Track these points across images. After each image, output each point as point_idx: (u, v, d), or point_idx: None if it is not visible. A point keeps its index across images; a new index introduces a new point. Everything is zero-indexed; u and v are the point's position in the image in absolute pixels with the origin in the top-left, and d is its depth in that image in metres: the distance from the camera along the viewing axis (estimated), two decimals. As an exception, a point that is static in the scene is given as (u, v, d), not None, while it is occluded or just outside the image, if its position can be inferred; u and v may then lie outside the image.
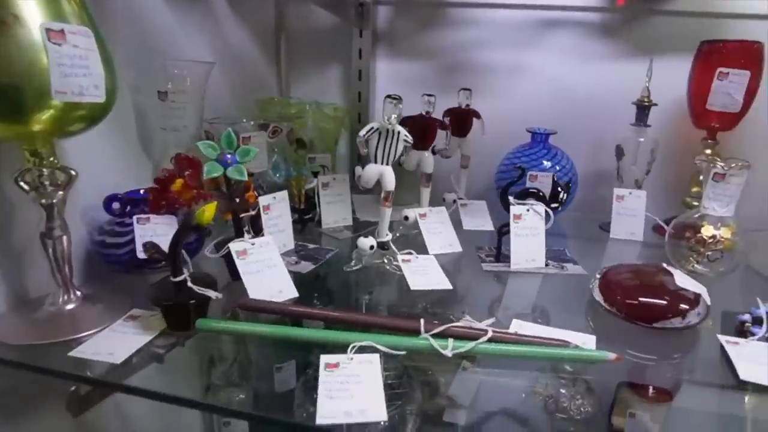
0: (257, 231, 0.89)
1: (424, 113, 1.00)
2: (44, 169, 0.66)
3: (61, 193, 0.68)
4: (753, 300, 0.82)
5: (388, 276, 0.89)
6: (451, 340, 0.66)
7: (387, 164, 0.87)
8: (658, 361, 0.70)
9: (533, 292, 0.90)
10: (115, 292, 0.78)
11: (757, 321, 0.77)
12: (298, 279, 0.85)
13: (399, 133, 0.85)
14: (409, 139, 0.86)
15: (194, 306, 0.69)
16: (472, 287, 0.90)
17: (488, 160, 1.23)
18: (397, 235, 1.03)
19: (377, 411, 0.56)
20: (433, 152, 1.12)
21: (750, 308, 0.80)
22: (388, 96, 0.84)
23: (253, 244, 0.80)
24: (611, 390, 0.65)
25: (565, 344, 0.67)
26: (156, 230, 0.83)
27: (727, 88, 1.02)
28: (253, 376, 0.67)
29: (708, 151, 1.09)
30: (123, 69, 0.73)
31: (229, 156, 0.77)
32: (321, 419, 0.54)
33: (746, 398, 0.65)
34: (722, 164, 0.89)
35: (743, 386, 0.64)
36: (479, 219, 1.14)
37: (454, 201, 1.16)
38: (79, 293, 0.73)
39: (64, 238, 0.70)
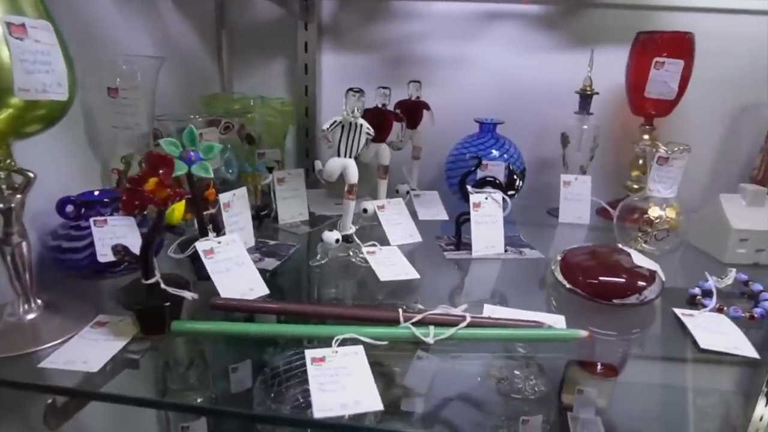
0: (218, 229, 0.89)
1: (379, 105, 1.03)
2: (1, 172, 0.64)
3: (19, 196, 0.66)
4: (695, 275, 0.91)
5: (355, 269, 0.91)
6: (432, 328, 0.69)
7: (350, 157, 0.89)
8: (619, 336, 0.76)
9: (497, 277, 0.94)
10: (76, 298, 0.76)
11: (707, 294, 0.85)
12: (265, 276, 0.85)
13: (361, 126, 0.88)
14: (371, 131, 0.89)
15: (169, 308, 0.69)
16: (438, 276, 0.93)
17: (438, 151, 1.27)
18: (356, 227, 1.05)
19: (372, 401, 0.57)
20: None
21: (698, 282, 0.88)
22: (351, 89, 0.86)
23: (219, 243, 0.80)
24: (561, 369, 0.69)
25: (538, 325, 0.72)
26: (115, 232, 0.81)
27: (663, 76, 1.11)
28: (230, 374, 0.67)
29: (646, 137, 1.19)
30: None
31: (192, 153, 0.76)
32: (318, 413, 0.55)
33: (688, 368, 0.72)
34: (665, 149, 0.97)
35: (689, 356, 0.71)
36: (433, 209, 1.18)
37: (408, 192, 1.19)
38: (39, 302, 0.71)
39: (24, 244, 0.67)
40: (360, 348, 0.66)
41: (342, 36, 1.34)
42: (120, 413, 0.85)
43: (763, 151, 1.23)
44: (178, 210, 0.72)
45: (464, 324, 0.70)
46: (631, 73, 1.18)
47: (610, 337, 0.75)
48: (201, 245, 0.79)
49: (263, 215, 1.08)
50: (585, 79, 1.18)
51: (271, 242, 1.00)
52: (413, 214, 1.14)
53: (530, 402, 0.62)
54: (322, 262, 0.92)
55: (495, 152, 1.19)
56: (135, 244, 0.78)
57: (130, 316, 0.69)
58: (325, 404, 0.57)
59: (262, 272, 0.86)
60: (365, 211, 1.04)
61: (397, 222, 1.04)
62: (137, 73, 0.90)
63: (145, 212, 0.67)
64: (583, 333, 0.70)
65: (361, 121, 0.87)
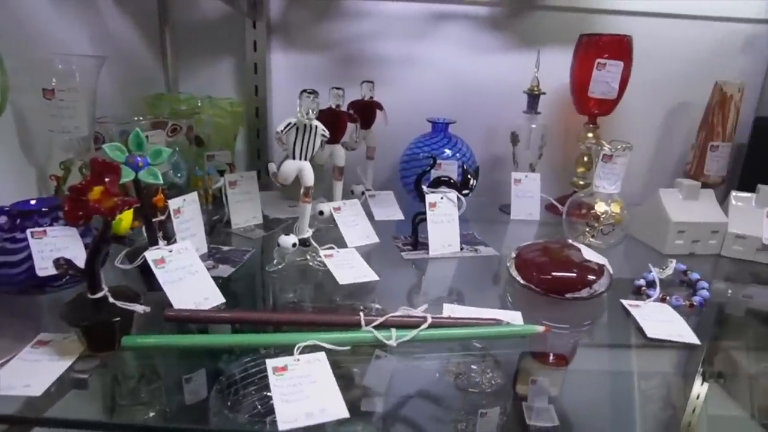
0: (168, 237, 0.83)
1: (333, 106, 0.99)
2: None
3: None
4: (639, 266, 0.93)
5: (313, 273, 0.87)
6: (393, 330, 0.67)
7: (305, 159, 0.86)
8: (572, 328, 0.76)
9: (454, 276, 0.93)
10: (14, 316, 0.69)
11: (651, 284, 0.86)
12: (220, 284, 0.80)
13: (316, 127, 0.84)
14: (326, 133, 0.85)
15: (119, 323, 0.63)
16: (397, 276, 0.91)
17: (392, 151, 1.25)
18: (313, 230, 1.01)
19: (337, 408, 0.55)
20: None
21: (642, 273, 0.90)
22: (305, 90, 0.82)
23: (170, 251, 0.75)
24: (515, 361, 0.69)
25: (497, 323, 0.71)
26: (56, 244, 0.74)
27: (605, 77, 1.12)
28: (174, 389, 0.62)
29: (590, 135, 1.20)
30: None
31: (139, 158, 0.70)
32: (283, 425, 0.52)
33: (635, 355, 0.73)
34: (609, 146, 0.98)
35: (634, 344, 0.73)
36: (389, 209, 1.16)
37: (363, 193, 1.16)
38: (-29, 322, 0.64)
39: (-47, 261, 0.60)
40: (322, 354, 0.63)
41: (292, 35, 1.28)
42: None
43: (695, 147, 1.27)
44: (125, 219, 0.66)
45: (426, 325, 0.68)
46: (575, 74, 1.18)
47: (564, 330, 0.75)
48: (151, 254, 0.73)
49: (216, 220, 1.02)
50: (532, 79, 1.18)
51: (225, 248, 0.94)
52: (369, 215, 1.11)
53: (488, 395, 0.61)
54: (279, 267, 0.87)
55: (448, 151, 1.18)
56: (78, 255, 0.72)
57: (77, 333, 0.63)
58: (289, 415, 0.53)
59: (217, 280, 0.81)
60: (321, 213, 1.00)
61: (354, 223, 1.00)
62: (75, 74, 0.83)
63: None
64: (540, 328, 0.70)
65: (315, 122, 0.84)
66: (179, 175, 1.02)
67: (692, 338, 0.72)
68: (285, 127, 0.82)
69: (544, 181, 1.20)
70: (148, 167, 0.71)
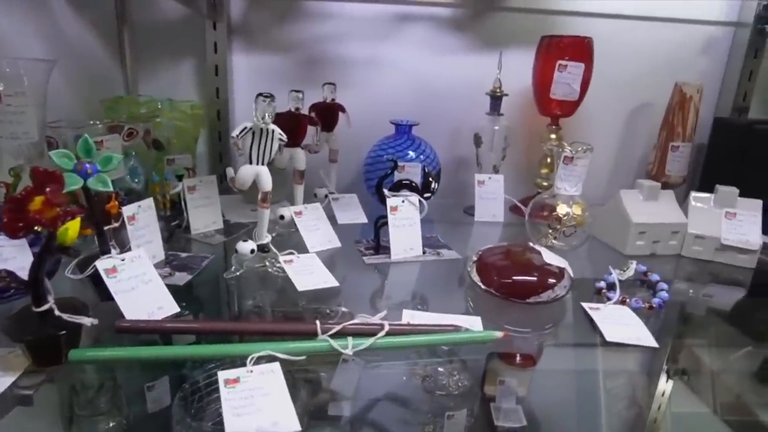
0: (122, 244, 0.82)
1: (293, 109, 0.98)
2: None
3: None
4: (602, 267, 0.93)
5: (272, 279, 0.86)
6: (350, 339, 0.66)
7: (262, 164, 0.84)
8: (533, 332, 0.76)
9: (416, 280, 0.93)
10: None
11: (611, 287, 0.87)
12: (176, 292, 0.78)
13: (273, 131, 0.83)
14: (284, 137, 0.84)
15: (65, 337, 0.61)
16: (357, 282, 0.90)
17: (355, 153, 1.24)
18: (274, 234, 1.00)
19: (289, 422, 0.54)
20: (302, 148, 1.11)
21: (603, 275, 0.91)
22: (261, 94, 0.80)
23: (123, 260, 0.73)
24: (483, 362, 0.69)
25: (456, 329, 0.71)
26: (1, 254, 0.73)
27: (567, 78, 1.13)
28: (136, 398, 0.61)
29: (553, 136, 1.20)
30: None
31: (88, 165, 0.68)
32: None
33: (598, 356, 0.73)
34: (570, 148, 0.98)
35: (598, 344, 0.73)
36: (352, 212, 1.15)
37: (326, 196, 1.15)
38: None
39: None
40: (276, 365, 0.61)
41: (254, 36, 1.26)
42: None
43: (656, 147, 1.28)
44: (72, 229, 0.64)
45: (383, 333, 0.68)
46: (537, 76, 1.19)
47: (525, 334, 0.76)
48: (102, 264, 0.71)
49: (174, 226, 1.00)
50: (495, 81, 1.18)
51: (183, 255, 0.93)
52: (332, 219, 1.10)
53: (455, 397, 0.62)
54: (237, 274, 0.86)
55: (411, 153, 1.17)
56: (26, 266, 0.70)
57: (21, 348, 0.61)
58: (239, 430, 0.52)
59: (173, 288, 0.80)
60: (282, 217, 0.99)
61: (315, 228, 0.99)
62: (23, 78, 0.80)
63: (39, 231, 0.59)
64: (499, 334, 0.70)
65: (272, 126, 0.83)
66: (137, 180, 1.00)
67: (650, 341, 0.73)
68: (241, 132, 0.80)
69: (508, 183, 1.21)
70: (97, 174, 0.69)
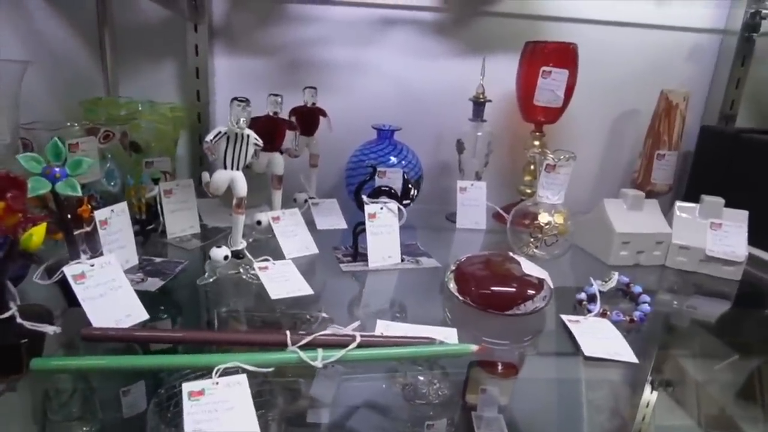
0: (94, 249, 0.81)
1: (271, 114, 0.98)
2: None
3: None
4: (584, 277, 0.93)
5: (246, 286, 0.86)
6: (320, 350, 0.66)
7: (237, 169, 0.84)
8: (511, 345, 0.76)
9: (393, 289, 0.93)
10: None
11: (592, 298, 0.87)
12: (147, 298, 0.78)
13: (248, 136, 0.82)
14: (260, 142, 0.84)
15: (26, 345, 0.61)
16: (333, 290, 0.90)
17: (336, 158, 1.24)
18: (251, 240, 0.99)
19: None
20: (281, 151, 1.10)
21: (584, 286, 0.90)
22: (236, 98, 0.80)
23: (92, 266, 0.73)
24: (464, 370, 0.69)
25: (430, 341, 0.70)
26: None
27: (550, 85, 1.13)
28: (111, 403, 0.61)
29: (537, 143, 1.20)
30: None
31: (57, 169, 0.68)
32: None
33: (579, 366, 0.72)
34: (552, 156, 0.98)
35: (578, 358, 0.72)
36: (332, 218, 1.15)
37: (306, 201, 1.15)
38: None
39: None
40: (243, 377, 0.60)
41: (236, 39, 1.26)
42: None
43: (642, 155, 1.29)
44: (36, 235, 0.63)
45: (353, 345, 0.67)
46: (521, 82, 1.19)
47: (504, 346, 0.75)
48: (70, 270, 0.70)
49: (150, 230, 1.00)
50: (478, 86, 1.18)
51: (158, 260, 0.92)
52: (311, 224, 1.10)
53: (435, 406, 0.62)
54: (210, 280, 0.85)
55: (393, 159, 1.17)
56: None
57: (-20, 356, 0.61)
58: None
59: (145, 294, 0.80)
60: (259, 223, 0.98)
61: (293, 234, 0.99)
62: (-5, 79, 0.80)
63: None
64: (474, 347, 0.69)
65: (248, 131, 0.82)
66: (113, 183, 0.99)
67: (630, 357, 0.72)
68: (215, 137, 0.80)
69: (492, 189, 1.21)
70: (66, 178, 0.69)
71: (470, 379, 0.68)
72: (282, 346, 0.66)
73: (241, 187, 0.84)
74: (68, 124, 0.97)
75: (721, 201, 1.05)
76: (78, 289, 0.70)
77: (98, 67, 1.20)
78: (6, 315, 0.60)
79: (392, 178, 1.10)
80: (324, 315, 0.78)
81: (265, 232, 0.99)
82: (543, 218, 1.00)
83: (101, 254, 0.79)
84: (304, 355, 0.65)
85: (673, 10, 1.30)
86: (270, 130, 0.96)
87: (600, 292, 0.89)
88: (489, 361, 0.72)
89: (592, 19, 1.29)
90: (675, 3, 1.29)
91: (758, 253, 1.10)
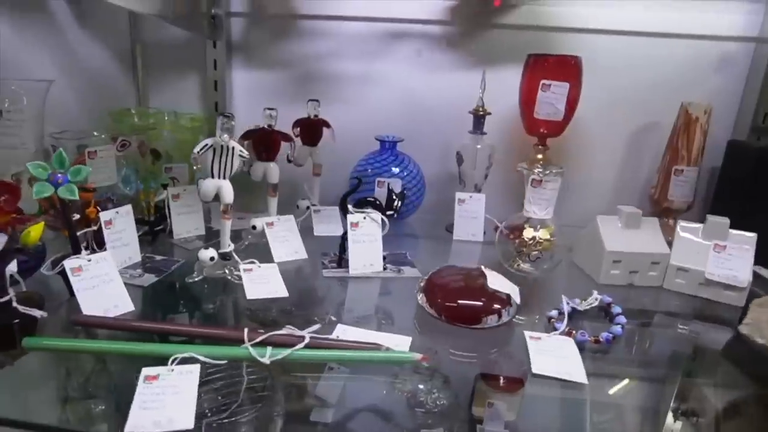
0: (101, 246, 0.95)
1: (266, 126, 1.09)
2: None
3: None
4: (572, 294, 0.95)
5: (231, 286, 0.97)
6: (269, 348, 0.74)
7: (224, 178, 0.95)
8: (469, 357, 0.81)
9: (368, 297, 1.00)
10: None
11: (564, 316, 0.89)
12: (139, 292, 0.92)
13: (233, 148, 0.94)
14: (245, 154, 0.95)
15: (19, 325, 0.75)
16: (310, 294, 0.99)
17: (341, 168, 1.33)
18: (246, 243, 1.12)
19: (185, 419, 0.62)
20: (289, 160, 1.22)
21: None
22: (222, 114, 0.92)
23: (89, 260, 0.86)
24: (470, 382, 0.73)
25: (377, 347, 0.77)
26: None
27: (550, 98, 1.16)
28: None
29: (540, 156, 1.24)
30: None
31: (60, 176, 0.82)
32: (130, 429, 0.60)
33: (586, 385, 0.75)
34: (539, 171, 1.03)
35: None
36: (331, 225, 1.23)
37: (308, 208, 1.25)
38: None
39: None
40: (196, 367, 0.70)
41: (252, 54, 1.40)
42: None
43: (660, 170, 1.29)
44: (34, 231, 0.78)
45: (301, 345, 0.75)
46: (523, 94, 1.23)
47: (462, 358, 0.81)
48: (69, 263, 0.85)
49: (158, 230, 1.14)
50: (477, 100, 1.23)
51: (158, 257, 1.06)
52: (310, 230, 1.20)
53: (433, 415, 0.66)
54: (197, 279, 0.98)
55: (395, 169, 1.26)
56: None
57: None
58: (138, 423, 0.62)
59: (137, 288, 0.93)
60: (254, 227, 1.10)
61: (285, 239, 1.09)
62: (23, 96, 0.97)
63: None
64: (418, 356, 0.74)
65: (233, 143, 0.93)
66: (129, 188, 1.14)
67: (581, 377, 0.74)
68: (201, 149, 0.92)
69: (494, 202, 1.25)
70: (67, 184, 0.83)
71: (477, 391, 0.72)
72: (239, 342, 0.76)
73: (228, 195, 0.96)
74: (95, 133, 1.13)
75: (727, 221, 1.04)
76: (74, 280, 0.84)
77: (130, 81, 1.37)
78: (4, 299, 0.74)
79: (393, 187, 1.18)
80: (332, 318, 0.86)
81: (260, 236, 1.10)
82: (527, 233, 1.05)
83: (105, 250, 0.93)
84: (253, 351, 0.74)
85: (700, 16, 1.28)
86: (265, 141, 1.08)
87: (576, 310, 0.93)
88: (494, 375, 0.76)
89: (609, 29, 1.30)
90: (702, 11, 1.27)
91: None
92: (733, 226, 1.05)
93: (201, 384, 0.68)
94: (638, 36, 1.31)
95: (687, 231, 1.07)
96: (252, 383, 0.71)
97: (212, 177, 0.95)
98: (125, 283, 0.91)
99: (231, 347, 0.75)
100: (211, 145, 0.93)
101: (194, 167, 0.93)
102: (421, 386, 0.72)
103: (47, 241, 0.94)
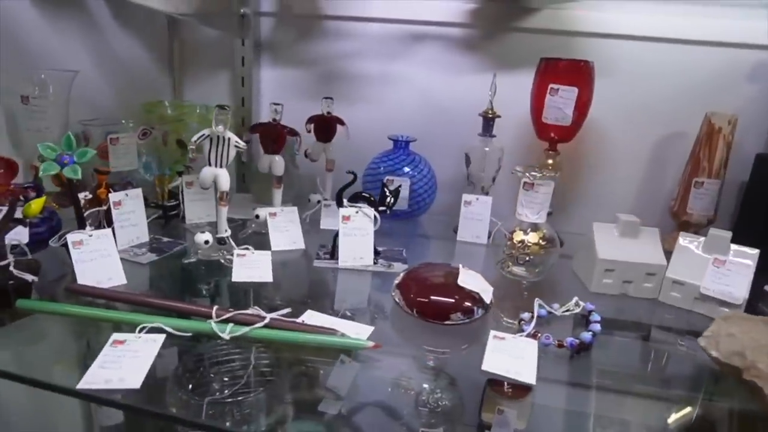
0: (110, 224, 1.04)
1: (271, 120, 1.14)
2: None
3: None
4: (559, 299, 0.95)
5: (223, 269, 1.02)
6: (230, 325, 0.79)
7: (221, 167, 1.01)
8: (438, 353, 0.82)
9: (352, 288, 1.03)
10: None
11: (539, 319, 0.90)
12: (136, 268, 1.00)
13: (230, 139, 0.99)
14: (241, 144, 1.00)
15: (15, 288, 0.83)
16: (294, 281, 1.03)
17: (356, 165, 1.33)
18: (249, 231, 1.17)
19: (134, 380, 0.68)
20: (305, 155, 1.27)
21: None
22: (218, 105, 0.98)
23: (90, 236, 0.94)
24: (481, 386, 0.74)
25: (333, 332, 0.80)
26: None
27: (558, 103, 1.15)
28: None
29: (550, 162, 1.22)
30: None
31: (66, 156, 0.91)
32: (82, 384, 0.67)
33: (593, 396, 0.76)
34: (533, 174, 1.02)
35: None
36: (337, 219, 1.25)
37: (319, 201, 1.30)
38: None
39: None
40: (161, 336, 0.77)
41: (279, 52, 1.46)
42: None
43: (681, 182, 1.24)
44: (35, 204, 0.87)
45: (260, 324, 0.79)
46: (534, 99, 1.21)
47: (436, 353, 0.82)
48: (72, 237, 0.93)
49: (172, 214, 1.22)
50: (487, 103, 1.23)
51: (165, 239, 1.13)
52: (317, 223, 1.24)
53: (435, 414, 0.67)
54: (192, 260, 1.04)
55: (407, 168, 1.28)
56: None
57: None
58: (91, 379, 0.68)
59: (135, 264, 1.01)
60: (257, 217, 1.15)
61: (285, 229, 1.14)
62: (49, 84, 1.07)
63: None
64: (370, 344, 0.77)
65: (229, 134, 0.99)
66: (149, 174, 1.22)
67: (530, 378, 0.74)
68: (198, 138, 0.98)
69: (504, 205, 1.24)
70: (72, 164, 0.91)
71: (487, 396, 0.73)
72: (207, 318, 0.82)
73: (224, 183, 1.02)
74: (123, 121, 1.23)
75: (728, 236, 0.99)
76: (74, 253, 0.92)
77: (167, 76, 1.47)
78: (3, 263, 0.83)
79: (403, 186, 1.21)
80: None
81: (263, 225, 1.15)
82: (517, 236, 1.04)
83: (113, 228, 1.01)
84: (215, 326, 0.80)
85: (728, 24, 1.22)
86: (271, 135, 1.13)
87: (553, 315, 0.92)
88: (501, 381, 0.75)
89: (635, 35, 1.27)
90: (731, 18, 1.21)
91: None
92: (758, 244, 0.99)
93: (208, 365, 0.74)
94: (663, 42, 1.26)
95: (688, 243, 1.03)
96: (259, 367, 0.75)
97: (209, 165, 1.01)
98: (127, 260, 1.00)
99: (197, 322, 0.81)
100: (208, 135, 0.99)
101: (190, 155, 0.99)
102: (425, 385, 0.74)
103: (67, 219, 1.04)
